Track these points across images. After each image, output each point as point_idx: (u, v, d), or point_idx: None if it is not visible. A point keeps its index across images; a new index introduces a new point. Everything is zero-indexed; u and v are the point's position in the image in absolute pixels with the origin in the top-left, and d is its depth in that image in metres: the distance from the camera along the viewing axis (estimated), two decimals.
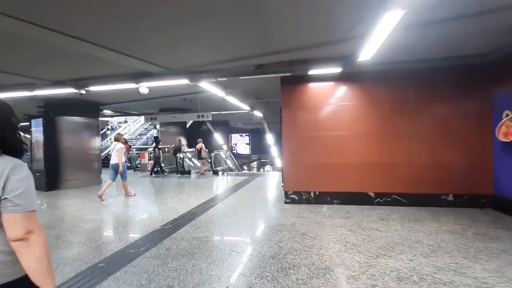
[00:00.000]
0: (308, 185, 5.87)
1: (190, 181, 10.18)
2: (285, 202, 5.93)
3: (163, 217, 4.99)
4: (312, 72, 5.25)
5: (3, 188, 1.02)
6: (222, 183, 9.42)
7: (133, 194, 7.19)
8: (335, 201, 5.71)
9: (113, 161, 6.78)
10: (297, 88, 5.93)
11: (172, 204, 6.08)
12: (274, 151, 21.68)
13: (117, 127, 22.07)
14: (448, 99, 5.32)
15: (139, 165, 13.45)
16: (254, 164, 26.22)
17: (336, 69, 5.08)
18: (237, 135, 27.33)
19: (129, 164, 14.05)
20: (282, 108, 6.02)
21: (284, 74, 5.41)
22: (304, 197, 5.85)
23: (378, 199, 5.54)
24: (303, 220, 4.64)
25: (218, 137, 17.23)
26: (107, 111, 11.43)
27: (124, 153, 7.03)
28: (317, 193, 5.79)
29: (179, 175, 11.80)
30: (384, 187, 5.53)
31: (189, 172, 11.83)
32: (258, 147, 27.64)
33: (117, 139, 7.07)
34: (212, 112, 10.99)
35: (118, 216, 5.43)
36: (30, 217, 1.06)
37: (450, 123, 5.28)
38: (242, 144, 27.55)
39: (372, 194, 5.57)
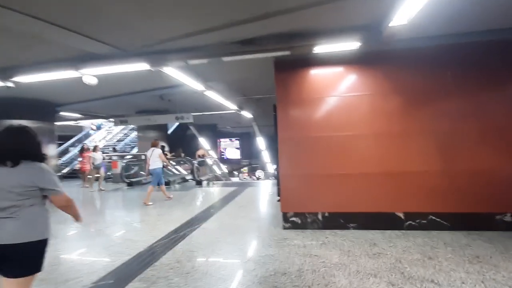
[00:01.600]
0: (315, 203, 4.39)
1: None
2: (284, 227, 4.43)
3: (105, 262, 3.38)
4: (319, 49, 3.80)
5: (45, 184, 1.73)
6: (205, 196, 7.84)
7: (171, 196, 7.39)
8: (352, 225, 4.25)
9: (153, 166, 6.97)
10: (297, 75, 4.48)
11: (130, 234, 4.47)
12: (265, 156, 20.24)
13: (102, 126, 20.10)
14: (502, 88, 3.98)
15: (111, 176, 11.68)
16: (245, 169, 24.79)
17: (353, 44, 3.66)
18: (227, 139, 25.89)
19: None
20: (277, 103, 4.55)
21: (281, 53, 3.93)
22: (309, 220, 4.36)
23: (410, 222, 4.12)
24: (313, 262, 3.14)
25: (204, 142, 15.66)
26: (67, 114, 9.70)
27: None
28: (326, 214, 4.32)
29: (157, 186, 10.13)
30: (417, 204, 4.11)
31: (168, 183, 10.17)
32: (249, 151, 26.19)
33: (154, 145, 7.22)
34: (193, 113, 9.44)
35: None
36: (63, 194, 1.83)
37: (507, 118, 3.93)
38: (232, 149, 26.13)
39: (401, 215, 4.14)
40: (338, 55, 4.15)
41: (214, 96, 7.17)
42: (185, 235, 4.28)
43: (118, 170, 11.61)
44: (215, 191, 8.96)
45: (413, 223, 4.10)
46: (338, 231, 4.17)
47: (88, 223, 5.17)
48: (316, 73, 4.44)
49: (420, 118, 4.12)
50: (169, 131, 17.64)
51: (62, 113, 10.12)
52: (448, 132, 4.05)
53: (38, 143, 1.82)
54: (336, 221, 4.28)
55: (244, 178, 19.47)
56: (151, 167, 7.03)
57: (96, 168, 9.66)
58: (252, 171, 24.65)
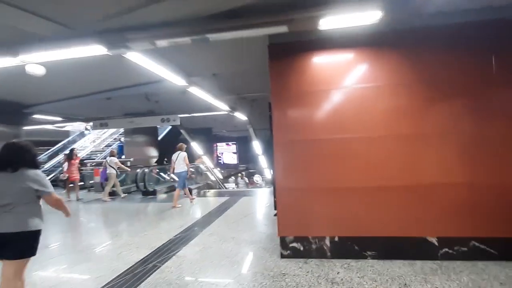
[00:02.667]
0: (321, 225, 3.43)
1: (149, 207, 7.53)
2: (282, 256, 3.46)
3: None
4: (326, 23, 2.88)
5: (42, 185, 2.20)
6: (191, 209, 6.85)
7: (194, 198, 7.78)
8: (370, 253, 3.28)
9: (178, 169, 7.08)
10: (297, 62, 3.55)
11: (80, 268, 3.48)
12: (262, 161, 19.28)
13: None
14: None
15: (93, 186, 10.64)
16: (242, 174, 23.87)
17: (372, 15, 2.74)
18: (223, 143, 25.02)
19: (82, 183, 11.21)
20: (272, 98, 3.62)
21: (276, 29, 2.98)
22: (314, 246, 3.39)
23: (446, 249, 3.16)
24: None
25: (196, 147, 14.65)
26: (40, 117, 8.71)
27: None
28: (336, 239, 3.36)
29: (142, 196, 9.14)
30: (455, 227, 3.17)
31: (153, 193, 9.18)
32: (246, 156, 25.28)
33: (180, 148, 7.28)
34: (181, 115, 8.51)
35: None
36: (53, 193, 2.27)
37: None
38: (229, 153, 25.24)
39: (434, 240, 3.19)
40: (350, 33, 3.24)
41: (200, 94, 6.24)
42: (154, 269, 3.29)
43: (100, 178, 10.62)
44: (205, 201, 7.97)
45: (451, 251, 3.15)
46: (353, 262, 3.20)
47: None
48: (321, 59, 3.52)
49: (459, 116, 3.19)
50: (160, 136, 16.69)
51: (35, 116, 9.16)
52: (499, 134, 3.13)
53: (34, 154, 2.32)
54: (349, 248, 3.31)
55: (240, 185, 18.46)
56: (176, 171, 7.16)
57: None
58: (249, 176, 23.75)
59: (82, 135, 18.43)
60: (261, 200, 7.91)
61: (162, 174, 11.42)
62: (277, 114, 3.58)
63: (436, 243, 3.17)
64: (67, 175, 8.74)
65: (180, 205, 7.02)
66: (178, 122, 8.13)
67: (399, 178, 3.28)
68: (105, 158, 10.79)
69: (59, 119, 9.72)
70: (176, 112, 8.65)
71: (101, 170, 9.63)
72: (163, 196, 9.17)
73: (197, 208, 6.99)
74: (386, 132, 3.32)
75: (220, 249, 3.91)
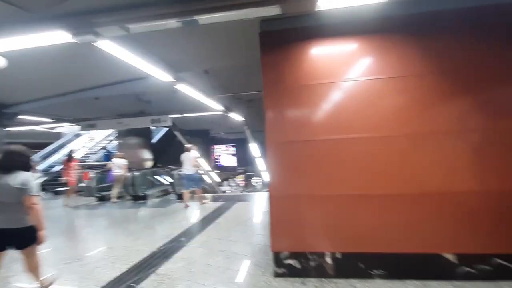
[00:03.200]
0: (321, 239, 2.98)
1: (138, 213, 7.06)
2: (276, 274, 3.01)
3: None
4: (324, 1, 2.46)
5: (27, 186, 2.37)
6: (180, 216, 6.38)
7: (207, 201, 7.55)
8: (377, 272, 2.83)
9: (187, 171, 6.99)
10: (292, 51, 3.13)
11: None
12: (260, 163, 18.84)
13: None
14: None
15: (82, 190, 10.16)
16: (241, 177, 23.47)
17: None
18: (222, 146, 24.65)
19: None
20: (265, 92, 3.19)
21: (267, 10, 2.55)
22: (313, 263, 2.94)
23: (464, 266, 2.72)
24: None
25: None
26: (25, 117, 8.26)
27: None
28: (338, 255, 2.91)
29: (132, 201, 8.67)
30: (475, 242, 2.73)
31: (144, 197, 8.72)
32: (245, 158, 24.85)
33: (189, 149, 7.27)
34: (172, 115, 8.08)
35: None
36: (34, 197, 2.42)
37: None
38: (227, 156, 24.85)
39: (451, 257, 2.75)
40: (353, 19, 2.82)
41: (191, 92, 5.81)
42: None
43: (92, 182, 10.16)
44: (197, 207, 7.51)
45: (471, 270, 2.71)
46: (358, 283, 2.76)
47: None
48: (320, 49, 3.09)
49: (481, 112, 2.77)
50: (156, 139, 16.25)
51: (21, 117, 8.72)
52: None
53: (27, 158, 2.63)
54: (354, 266, 2.87)
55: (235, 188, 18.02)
56: (185, 172, 7.07)
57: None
58: (248, 179, 23.35)
59: (76, 136, 17.98)
60: (257, 205, 7.46)
61: (157, 177, 11.00)
62: (270, 112, 3.14)
63: (454, 261, 2.73)
64: (66, 178, 8.32)
65: (208, 200, 7.41)
66: (169, 123, 7.69)
67: (409, 185, 2.85)
68: (110, 160, 10.35)
69: (47, 120, 9.26)
70: (169, 112, 8.22)
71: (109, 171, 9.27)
72: (155, 201, 8.70)
73: (188, 214, 6.53)
74: (394, 131, 2.90)
75: (207, 264, 3.46)
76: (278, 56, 3.15)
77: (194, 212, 6.80)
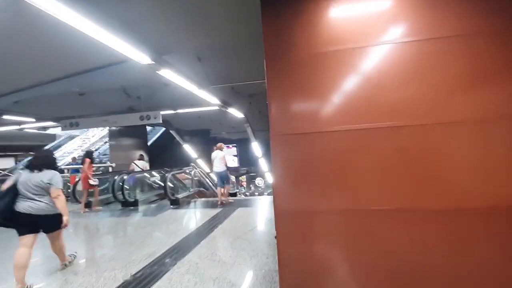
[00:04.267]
0: (358, 280, 2.06)
1: (123, 223, 6.18)
2: None
3: None
4: None
5: (51, 181, 2.98)
6: (169, 227, 5.48)
7: (230, 200, 7.59)
8: None
9: (218, 169, 7.09)
10: (302, 7, 2.21)
11: None
12: (263, 163, 17.96)
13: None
14: None
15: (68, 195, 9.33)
16: (243, 178, 22.67)
17: None
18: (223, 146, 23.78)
19: None
20: (267, 66, 2.28)
21: None
22: None
23: None
24: None
25: (189, 150, 13.38)
26: (8, 117, 7.45)
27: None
28: None
29: (121, 208, 7.82)
30: None
31: (135, 203, 7.85)
32: (247, 159, 24.00)
33: (219, 148, 7.26)
34: (164, 112, 7.21)
35: None
36: (59, 189, 3.03)
37: None
38: (229, 156, 23.96)
39: None
40: None
41: (180, 81, 4.93)
42: None
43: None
44: (191, 215, 6.63)
45: None
46: None
47: None
48: (340, 2, 2.18)
49: None
50: (152, 140, 15.45)
51: (4, 117, 7.96)
52: None
53: (53, 159, 3.35)
54: None
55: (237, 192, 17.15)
56: (215, 170, 7.26)
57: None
58: (251, 180, 22.56)
59: (70, 138, 17.28)
60: (260, 213, 6.55)
61: (152, 180, 10.18)
62: (273, 92, 2.24)
63: None
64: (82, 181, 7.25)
65: (232, 200, 7.58)
66: (159, 120, 6.84)
67: (482, 194, 1.92)
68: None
69: (30, 119, 8.46)
70: (160, 108, 7.35)
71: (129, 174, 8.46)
72: (148, 207, 7.83)
73: (179, 224, 5.64)
74: (454, 116, 1.97)
75: None
76: (283, 15, 2.24)
77: (187, 222, 5.91)
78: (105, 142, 17.71)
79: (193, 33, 3.70)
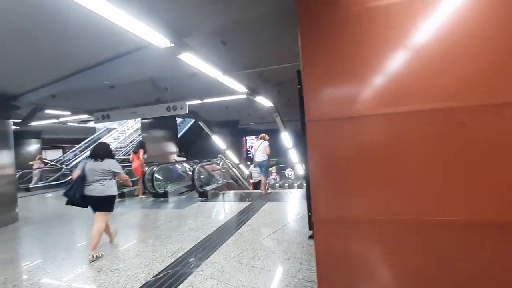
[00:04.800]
0: None
1: (152, 215, 6.13)
2: None
3: None
4: None
5: (113, 168, 3.70)
6: (196, 222, 5.27)
7: (269, 191, 7.49)
8: None
9: (259, 158, 7.27)
10: None
11: None
12: (293, 154, 17.36)
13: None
14: None
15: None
16: (273, 169, 22.33)
17: None
18: (253, 137, 23.55)
19: None
20: (301, 35, 1.78)
21: None
22: None
23: None
24: None
25: (218, 141, 13.23)
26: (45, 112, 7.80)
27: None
28: None
29: (152, 199, 7.89)
30: None
31: (165, 195, 7.86)
32: (276, 149, 23.52)
33: (263, 138, 7.42)
34: (190, 102, 6.99)
35: None
36: (121, 173, 3.83)
37: None
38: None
39: None
40: None
41: (204, 67, 4.58)
42: None
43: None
44: (219, 209, 6.40)
45: None
46: None
47: None
48: None
49: None
50: (182, 132, 15.61)
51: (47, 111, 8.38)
52: None
53: (111, 150, 3.97)
54: None
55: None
56: (256, 159, 7.41)
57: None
58: (280, 171, 22.16)
59: (108, 131, 18.17)
60: (290, 208, 6.11)
61: (181, 171, 10.23)
62: (309, 70, 1.74)
63: None
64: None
65: (270, 191, 7.52)
66: (185, 110, 6.62)
67: None
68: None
69: (66, 113, 8.81)
70: (186, 99, 7.14)
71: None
72: (177, 198, 7.80)
73: (206, 218, 5.42)
74: None
75: None
76: None
77: (215, 216, 5.67)
78: (139, 134, 18.37)
79: (214, 11, 3.29)
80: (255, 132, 23.02)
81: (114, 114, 7.38)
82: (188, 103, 6.83)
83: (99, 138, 17.50)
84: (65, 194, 3.59)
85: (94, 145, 4.32)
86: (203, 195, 7.50)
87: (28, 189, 11.30)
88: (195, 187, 7.47)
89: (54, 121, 9.28)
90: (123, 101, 8.23)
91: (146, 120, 11.86)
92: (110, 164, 3.69)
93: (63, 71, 5.22)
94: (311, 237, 3.84)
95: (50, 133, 16.93)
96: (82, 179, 3.57)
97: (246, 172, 13.71)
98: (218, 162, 8.98)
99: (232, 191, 8.59)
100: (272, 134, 21.86)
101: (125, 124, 19.16)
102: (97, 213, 3.68)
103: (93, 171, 3.59)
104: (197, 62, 4.34)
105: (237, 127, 18.53)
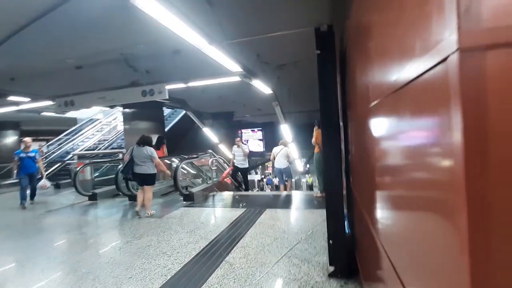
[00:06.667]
0: None
1: (117, 227, 4.86)
2: None
3: None
4: None
5: (152, 154, 5.09)
6: (173, 242, 4.01)
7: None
8: None
9: (280, 165, 7.14)
10: None
11: None
12: (293, 149, 16.11)
13: None
14: None
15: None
16: (269, 164, 21.07)
17: None
18: (249, 130, 22.16)
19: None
20: None
21: None
22: None
23: None
24: None
25: (210, 134, 11.90)
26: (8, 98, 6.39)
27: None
28: None
29: (129, 202, 6.59)
30: None
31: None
32: (273, 143, 22.25)
33: (283, 144, 7.33)
34: (171, 86, 5.65)
35: None
36: (157, 158, 5.19)
37: None
38: (254, 140, 22.31)
39: None
40: None
41: (180, 27, 3.25)
42: None
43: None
44: (203, 219, 5.14)
45: None
46: None
47: None
48: None
49: None
50: (171, 124, 14.21)
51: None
52: None
53: (150, 139, 5.28)
54: None
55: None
56: (277, 166, 7.18)
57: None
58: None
59: (91, 122, 16.64)
60: (294, 218, 4.89)
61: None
62: None
63: None
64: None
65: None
66: (165, 95, 5.30)
67: None
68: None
69: (25, 99, 7.39)
70: (168, 82, 5.79)
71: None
72: (158, 202, 6.51)
73: (187, 235, 4.15)
74: None
75: None
76: None
77: (198, 229, 4.40)
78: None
79: None
80: (251, 125, 21.69)
81: (79, 100, 6.02)
82: (169, 87, 5.51)
83: (80, 131, 15.98)
84: (122, 172, 5.29)
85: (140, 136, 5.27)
86: (188, 198, 6.23)
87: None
88: (178, 189, 6.19)
89: (14, 108, 7.84)
90: (92, 84, 6.84)
91: (128, 110, 10.49)
92: (148, 150, 5.01)
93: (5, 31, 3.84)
94: (331, 275, 2.62)
95: (29, 124, 15.48)
96: (131, 161, 4.99)
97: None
98: (208, 158, 7.68)
99: (224, 193, 7.34)
100: (269, 127, 20.55)
101: (111, 115, 17.64)
102: (145, 186, 5.08)
103: (138, 154, 4.99)
104: (173, 19, 3.00)
105: (231, 119, 17.20)
